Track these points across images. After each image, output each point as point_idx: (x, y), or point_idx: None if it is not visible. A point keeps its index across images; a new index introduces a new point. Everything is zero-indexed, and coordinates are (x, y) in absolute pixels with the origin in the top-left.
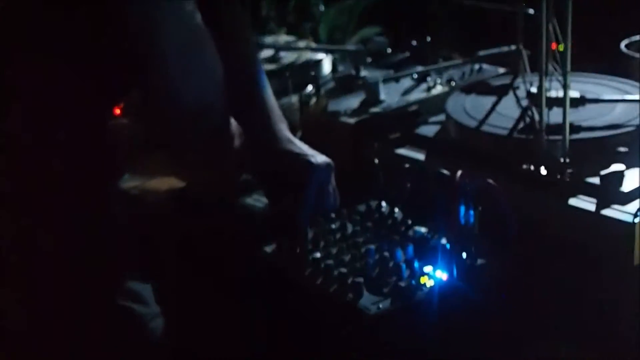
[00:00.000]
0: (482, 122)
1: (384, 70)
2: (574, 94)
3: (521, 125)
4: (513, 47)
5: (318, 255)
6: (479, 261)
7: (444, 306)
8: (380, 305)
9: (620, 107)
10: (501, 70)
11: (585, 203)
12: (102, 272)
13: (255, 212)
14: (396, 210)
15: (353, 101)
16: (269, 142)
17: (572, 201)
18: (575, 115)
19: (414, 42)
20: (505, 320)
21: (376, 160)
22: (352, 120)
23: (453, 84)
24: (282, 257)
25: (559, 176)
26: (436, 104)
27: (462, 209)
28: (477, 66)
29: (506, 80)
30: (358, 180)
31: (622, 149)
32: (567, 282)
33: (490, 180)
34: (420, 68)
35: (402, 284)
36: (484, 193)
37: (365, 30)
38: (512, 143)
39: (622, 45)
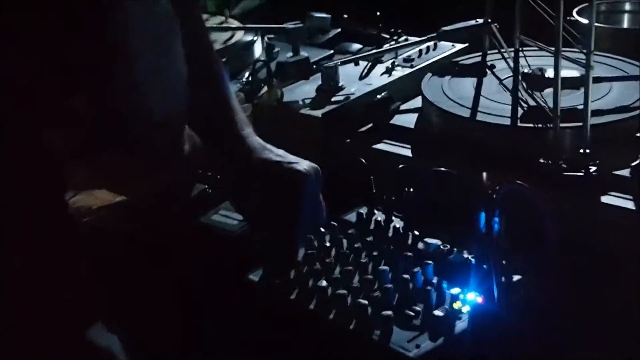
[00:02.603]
0: (474, 110)
1: (322, 50)
2: (568, 72)
3: (521, 112)
4: (480, 21)
5: (324, 283)
6: (515, 277)
7: (486, 336)
8: (419, 344)
9: (616, 86)
10: (459, 46)
11: (620, 200)
12: (51, 328)
13: (227, 231)
14: (394, 219)
15: (307, 89)
16: (241, 151)
17: (605, 199)
18: (573, 99)
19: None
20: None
21: (363, 160)
22: (318, 113)
23: (413, 64)
24: (276, 286)
25: (583, 171)
26: (403, 89)
27: (485, 216)
28: (432, 43)
29: (477, 59)
30: (331, 183)
31: None
32: (607, 293)
33: (522, 183)
34: (357, 46)
35: (438, 313)
36: (517, 198)
37: (247, 1)
38: (519, 134)
39: (574, 12)
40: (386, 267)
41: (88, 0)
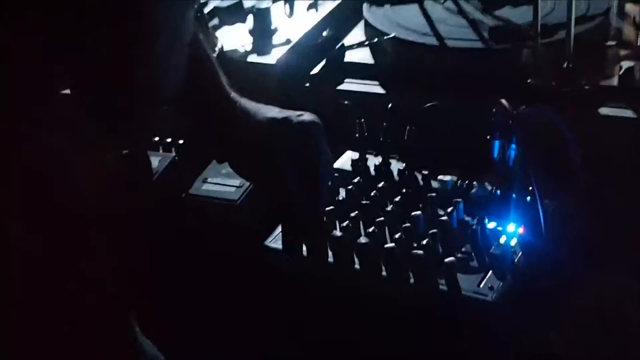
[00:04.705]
0: (439, 37)
1: None
2: None
3: (486, 34)
4: None
5: (364, 239)
6: (547, 203)
7: (543, 265)
8: (492, 285)
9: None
10: None
11: (619, 110)
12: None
13: (227, 199)
14: (391, 161)
15: (237, 34)
16: (237, 115)
17: (604, 110)
18: (522, 15)
19: None
20: None
21: (346, 102)
22: (270, 59)
23: None
24: (308, 252)
25: (576, 86)
26: (340, 22)
27: (499, 144)
28: None
29: None
30: None
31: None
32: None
33: (543, 107)
34: None
35: (496, 251)
36: (536, 122)
37: None
38: (495, 56)
39: None
40: (419, 212)
41: None
